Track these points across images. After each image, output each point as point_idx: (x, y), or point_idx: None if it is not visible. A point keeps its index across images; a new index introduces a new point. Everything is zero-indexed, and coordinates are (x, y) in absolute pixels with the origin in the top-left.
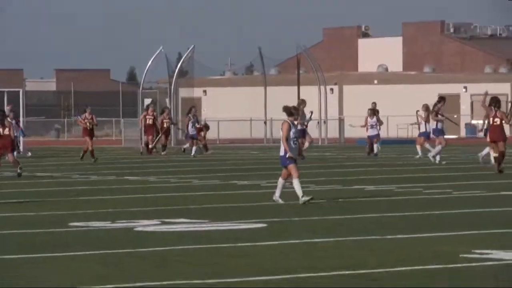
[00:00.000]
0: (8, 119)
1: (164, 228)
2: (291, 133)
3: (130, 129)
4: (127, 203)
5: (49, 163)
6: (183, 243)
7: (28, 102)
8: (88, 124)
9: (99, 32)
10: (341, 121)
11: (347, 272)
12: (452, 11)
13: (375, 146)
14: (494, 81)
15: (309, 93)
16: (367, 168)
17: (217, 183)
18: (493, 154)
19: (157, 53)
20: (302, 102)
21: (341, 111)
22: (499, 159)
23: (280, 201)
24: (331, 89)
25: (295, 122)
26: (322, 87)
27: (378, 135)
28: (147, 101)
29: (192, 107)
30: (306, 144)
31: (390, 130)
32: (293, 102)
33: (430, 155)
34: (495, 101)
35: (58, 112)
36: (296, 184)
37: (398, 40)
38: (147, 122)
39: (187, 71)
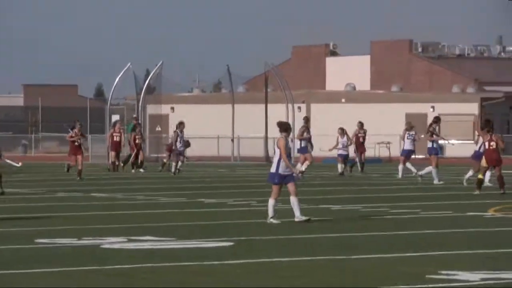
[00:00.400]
0: None
1: (130, 245)
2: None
3: (97, 145)
4: (94, 220)
5: (17, 179)
6: (150, 261)
7: None
8: (77, 140)
9: (67, 48)
10: (309, 139)
11: None
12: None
13: (339, 166)
14: (462, 101)
15: (277, 111)
16: (333, 187)
17: (184, 200)
18: (472, 174)
19: (125, 69)
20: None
21: (308, 130)
22: (501, 182)
23: (274, 221)
24: (299, 107)
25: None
26: (290, 105)
27: (347, 155)
28: (115, 117)
29: (180, 123)
30: (307, 163)
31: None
32: (261, 120)
33: (420, 173)
34: (489, 125)
35: (25, 128)
36: (271, 204)
37: (366, 59)
38: (114, 139)
39: (154, 88)
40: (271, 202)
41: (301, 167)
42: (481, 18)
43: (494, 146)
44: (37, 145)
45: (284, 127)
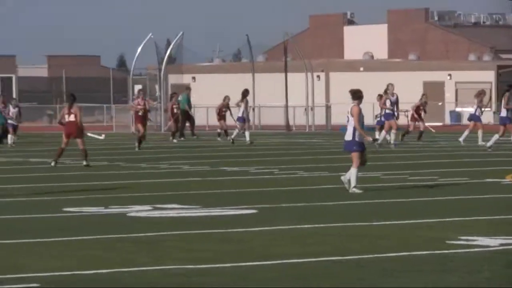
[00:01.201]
0: None
1: (156, 213)
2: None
3: (120, 115)
4: (120, 188)
5: (42, 149)
6: (175, 229)
7: (20, 88)
8: (175, 109)
9: (89, 18)
10: (327, 108)
11: (334, 258)
12: None
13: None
14: (478, 69)
15: (297, 80)
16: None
17: (207, 169)
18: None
19: (146, 39)
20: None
21: (328, 98)
22: None
23: (357, 191)
24: (318, 76)
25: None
26: (309, 74)
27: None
28: (137, 87)
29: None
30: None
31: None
32: (281, 89)
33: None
34: (509, 89)
35: (50, 98)
36: (353, 172)
37: (384, 28)
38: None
39: (175, 58)
40: (353, 171)
41: (377, 135)
42: None
43: None
44: None
45: (357, 95)
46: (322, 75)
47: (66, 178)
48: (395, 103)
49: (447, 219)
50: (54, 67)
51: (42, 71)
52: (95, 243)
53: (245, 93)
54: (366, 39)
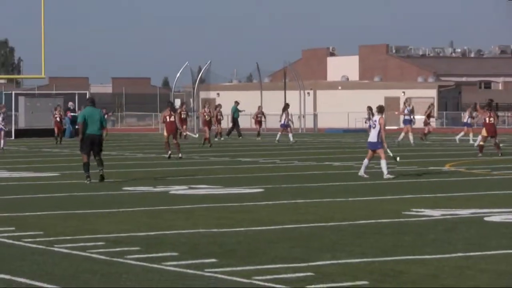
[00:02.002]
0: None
1: (190, 192)
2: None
3: None
4: (164, 173)
5: (109, 145)
6: (205, 203)
7: None
8: (206, 116)
9: (143, 48)
10: (315, 116)
11: (321, 224)
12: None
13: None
14: (424, 88)
15: (292, 96)
16: (334, 149)
17: (227, 160)
18: (480, 142)
19: (184, 66)
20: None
21: (315, 109)
22: (498, 147)
23: (365, 175)
24: (308, 93)
25: None
26: (302, 92)
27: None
28: (177, 101)
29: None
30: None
31: (350, 123)
32: (281, 102)
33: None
34: (490, 104)
35: (113, 108)
36: (384, 164)
37: (356, 58)
38: (182, 116)
39: (205, 79)
40: (383, 162)
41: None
42: (439, 27)
43: (493, 121)
44: (122, 121)
45: (382, 110)
46: (311, 92)
47: (127, 165)
48: (411, 112)
49: (402, 196)
50: (116, 86)
51: (107, 89)
52: (146, 213)
53: (286, 106)
54: (343, 66)
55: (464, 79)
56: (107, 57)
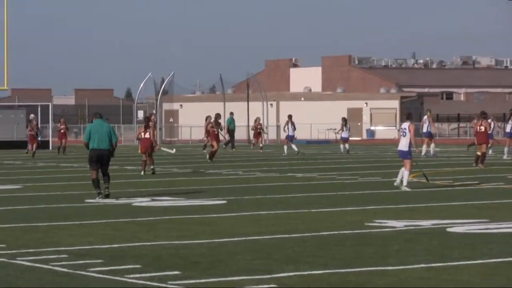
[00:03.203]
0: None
1: (153, 204)
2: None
3: (127, 132)
4: (126, 186)
5: (71, 157)
6: (167, 215)
7: (55, 112)
8: (217, 129)
9: (104, 61)
10: (278, 127)
11: (283, 236)
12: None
13: (341, 146)
14: (387, 99)
15: (256, 107)
16: (296, 161)
17: (189, 171)
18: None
19: (147, 78)
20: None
21: (278, 120)
22: (482, 158)
23: (407, 189)
24: (271, 104)
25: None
26: (265, 103)
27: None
28: (140, 112)
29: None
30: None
31: (313, 134)
32: (244, 113)
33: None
34: (482, 114)
35: (76, 120)
36: (406, 174)
37: (319, 69)
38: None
39: (167, 91)
40: (406, 173)
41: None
42: (401, 39)
43: (483, 129)
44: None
45: (411, 117)
46: (274, 103)
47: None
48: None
49: (365, 207)
50: (79, 97)
51: (70, 100)
52: (108, 225)
53: (290, 117)
54: (306, 77)
55: (426, 90)
56: (69, 68)
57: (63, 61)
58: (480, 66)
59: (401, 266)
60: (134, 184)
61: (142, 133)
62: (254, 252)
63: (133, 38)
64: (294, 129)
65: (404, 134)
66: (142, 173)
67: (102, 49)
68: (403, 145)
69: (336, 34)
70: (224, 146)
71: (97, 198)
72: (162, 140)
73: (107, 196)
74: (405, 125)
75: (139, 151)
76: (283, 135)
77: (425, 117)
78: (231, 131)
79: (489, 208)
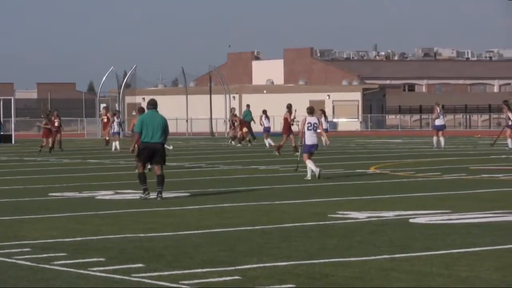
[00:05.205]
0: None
1: (117, 197)
2: None
3: (90, 126)
4: (90, 179)
5: (34, 151)
6: (131, 207)
7: (17, 107)
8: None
9: (66, 54)
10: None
11: (247, 228)
12: (318, 40)
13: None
14: (349, 91)
15: (218, 100)
16: (261, 153)
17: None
18: None
19: (109, 71)
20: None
21: (240, 113)
22: None
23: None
24: (233, 97)
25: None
26: (227, 96)
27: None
28: (102, 105)
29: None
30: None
31: (276, 126)
32: (207, 106)
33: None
34: (506, 103)
35: (38, 114)
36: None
37: (281, 62)
38: (103, 120)
39: (130, 84)
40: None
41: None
42: (363, 31)
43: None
44: None
45: (314, 111)
46: (237, 96)
47: (51, 171)
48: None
49: (328, 199)
50: (41, 91)
51: (33, 94)
52: (72, 219)
53: (264, 113)
54: (268, 70)
55: (388, 82)
56: (31, 62)
57: (25, 55)
58: (442, 57)
59: (364, 257)
60: (96, 178)
61: None
62: (218, 244)
63: (95, 31)
64: (269, 121)
65: (315, 128)
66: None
67: (64, 43)
68: (316, 139)
69: (297, 26)
70: (253, 140)
71: (144, 194)
72: (125, 133)
73: (159, 195)
74: (313, 119)
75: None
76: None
77: (439, 109)
78: (247, 123)
79: (451, 199)
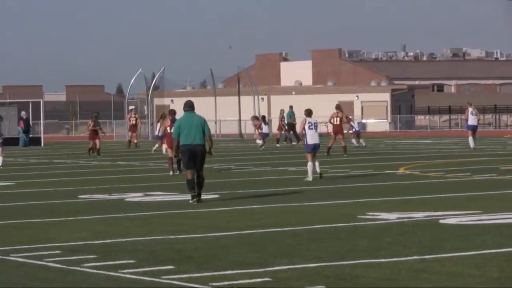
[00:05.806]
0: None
1: (146, 199)
2: None
3: (119, 128)
4: (119, 181)
5: (63, 153)
6: (160, 210)
7: (46, 109)
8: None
9: (96, 56)
10: (269, 121)
11: (277, 229)
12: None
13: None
14: (378, 92)
15: (247, 101)
16: (290, 154)
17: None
18: None
19: (138, 73)
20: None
21: (270, 114)
22: None
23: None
24: (262, 98)
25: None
26: (256, 97)
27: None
28: (131, 107)
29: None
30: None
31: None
32: (235, 108)
33: None
34: None
35: (67, 116)
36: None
37: (309, 63)
38: (131, 122)
39: (158, 86)
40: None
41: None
42: (391, 32)
43: None
44: (76, 129)
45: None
46: (265, 97)
47: (82, 173)
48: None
49: (358, 200)
50: (70, 94)
51: (61, 97)
52: (102, 221)
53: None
54: (296, 71)
55: (417, 82)
56: (60, 64)
57: (54, 58)
58: (471, 58)
59: (394, 258)
60: (126, 180)
61: (168, 128)
62: (247, 246)
63: (123, 34)
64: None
65: (316, 127)
66: (171, 172)
67: (93, 46)
68: (317, 139)
69: (326, 27)
70: (290, 142)
71: (192, 201)
72: (154, 135)
73: (198, 201)
74: (313, 119)
75: (165, 148)
76: (275, 129)
77: (471, 109)
78: (293, 125)
79: (482, 200)
